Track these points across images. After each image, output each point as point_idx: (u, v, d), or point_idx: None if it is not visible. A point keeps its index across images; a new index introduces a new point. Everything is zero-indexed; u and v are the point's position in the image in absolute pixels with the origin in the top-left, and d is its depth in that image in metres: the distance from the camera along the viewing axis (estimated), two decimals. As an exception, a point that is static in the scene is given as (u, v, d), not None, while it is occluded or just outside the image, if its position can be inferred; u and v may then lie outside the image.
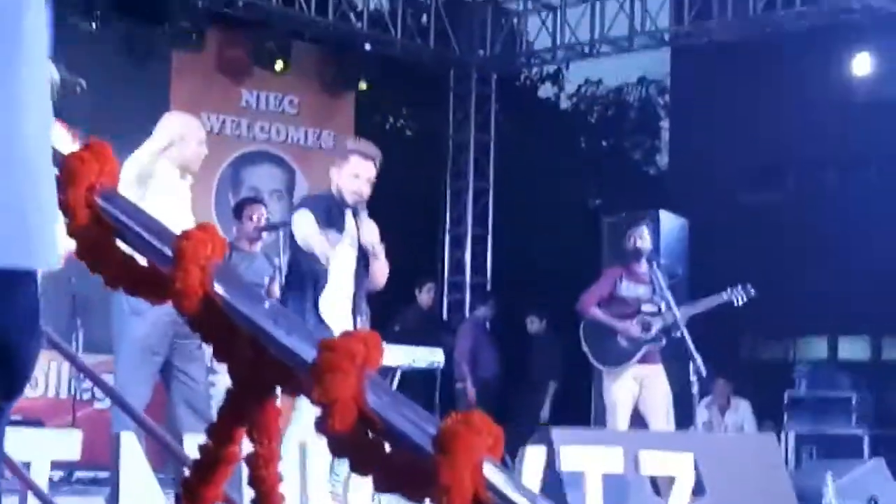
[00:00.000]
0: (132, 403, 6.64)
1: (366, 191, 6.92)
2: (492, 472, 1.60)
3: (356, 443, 1.69)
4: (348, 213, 6.92)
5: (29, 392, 11.05)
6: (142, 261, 1.96)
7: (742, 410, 13.18)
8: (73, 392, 10.74)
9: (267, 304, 1.81)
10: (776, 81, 20.18)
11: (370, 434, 1.70)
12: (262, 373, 1.82)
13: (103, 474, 8.35)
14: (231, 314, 1.82)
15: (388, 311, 12.90)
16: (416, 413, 1.67)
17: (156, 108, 12.27)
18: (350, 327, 7.00)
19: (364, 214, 6.94)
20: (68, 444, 3.52)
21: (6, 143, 1.54)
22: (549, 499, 4.71)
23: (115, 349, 6.69)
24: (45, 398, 11.20)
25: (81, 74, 11.29)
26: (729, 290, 9.36)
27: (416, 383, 11.70)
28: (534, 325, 13.64)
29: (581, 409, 12.79)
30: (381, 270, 7.04)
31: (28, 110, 1.57)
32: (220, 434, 1.84)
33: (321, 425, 1.69)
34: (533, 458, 4.52)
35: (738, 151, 21.36)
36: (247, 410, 1.84)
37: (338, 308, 6.97)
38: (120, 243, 1.98)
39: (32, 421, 10.25)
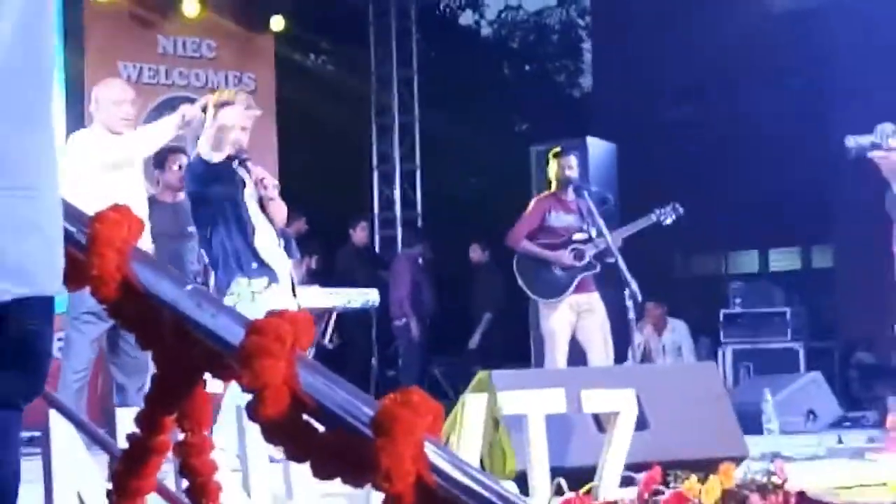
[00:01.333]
0: (76, 364, 6.84)
1: (243, 138, 6.94)
2: (433, 453, 1.54)
3: (290, 429, 1.63)
4: (236, 164, 6.94)
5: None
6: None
7: (678, 331, 13.26)
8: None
9: (190, 287, 1.74)
10: (695, -4, 20.16)
11: (305, 418, 1.64)
12: (188, 359, 1.74)
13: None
14: (152, 299, 1.75)
15: (322, 252, 12.83)
16: (353, 394, 1.61)
17: (71, 57, 12.10)
18: (287, 274, 7.06)
19: (251, 164, 7.00)
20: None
21: (53, 190, 1.66)
22: (489, 443, 4.65)
23: (68, 310, 6.99)
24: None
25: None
26: (657, 210, 9.37)
27: (352, 324, 11.68)
28: (476, 253, 13.60)
29: (517, 339, 12.82)
30: (278, 210, 7.11)
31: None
32: (149, 423, 1.77)
33: (253, 412, 1.63)
34: (473, 406, 4.49)
35: (661, 69, 21.35)
36: (175, 398, 1.77)
37: (272, 257, 7.02)
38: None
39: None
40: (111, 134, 7.06)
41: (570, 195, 9.22)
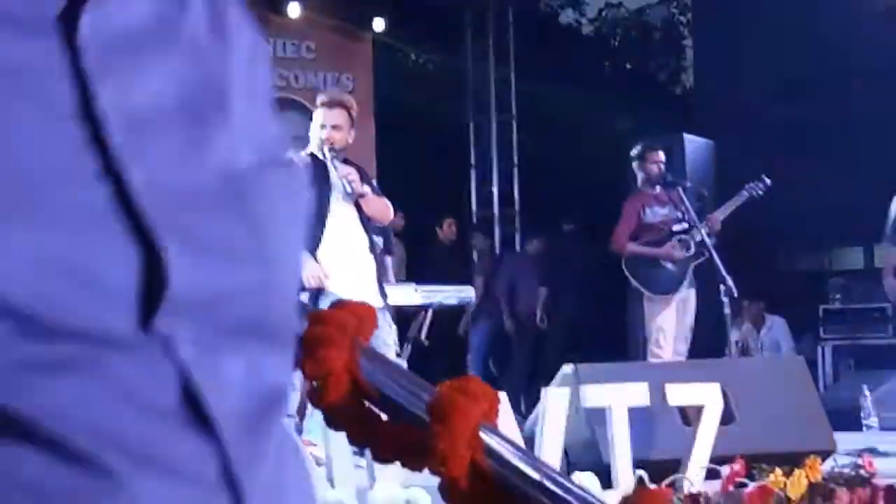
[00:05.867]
0: None
1: (337, 138, 6.98)
2: (489, 438, 1.59)
3: (351, 415, 1.68)
4: (329, 165, 6.98)
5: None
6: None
7: (777, 327, 13.15)
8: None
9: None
10: (800, -9, 19.96)
11: (366, 404, 1.70)
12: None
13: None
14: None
15: (417, 251, 12.92)
16: (411, 381, 1.66)
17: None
18: (371, 274, 7.06)
19: (338, 162, 7.00)
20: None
21: None
22: (576, 434, 4.67)
23: None
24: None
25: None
26: (747, 185, 9.38)
27: (448, 320, 11.73)
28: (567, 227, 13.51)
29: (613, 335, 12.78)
30: (375, 208, 7.09)
31: None
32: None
33: (315, 399, 1.69)
34: (555, 399, 4.53)
35: (765, 66, 21.18)
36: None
37: (350, 258, 6.98)
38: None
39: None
40: None
41: (659, 189, 9.23)
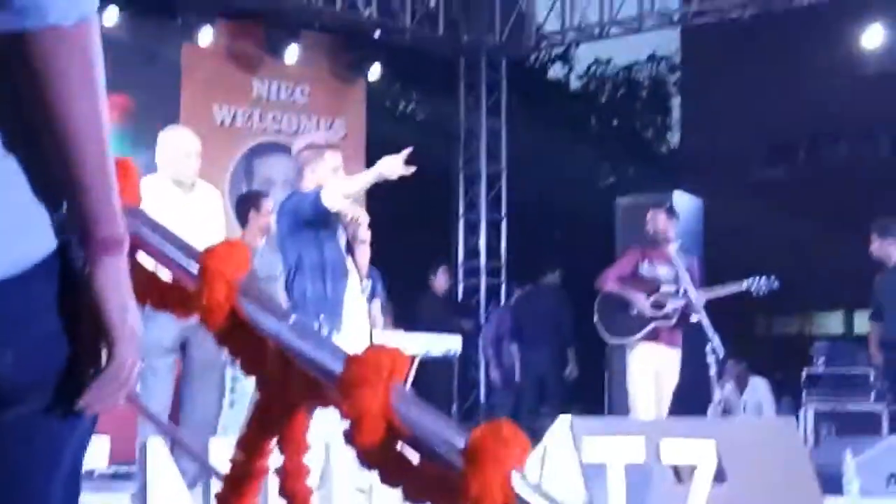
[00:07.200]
0: (149, 400, 6.81)
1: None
2: (520, 484, 1.62)
3: (385, 455, 1.72)
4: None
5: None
6: (166, 275, 1.98)
7: (759, 388, 13.20)
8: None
9: (292, 320, 1.84)
10: (786, 55, 20.14)
11: (398, 445, 1.73)
12: (289, 386, 1.84)
13: (123, 469, 8.43)
14: (257, 329, 1.85)
15: (404, 298, 12.92)
16: (446, 425, 1.69)
17: (167, 102, 12.32)
18: (365, 315, 7.03)
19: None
20: (96, 451, 3.56)
21: None
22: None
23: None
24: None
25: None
26: (750, 279, 9.26)
27: (434, 370, 11.72)
28: (547, 278, 13.41)
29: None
30: (367, 255, 7.06)
31: None
32: (250, 447, 1.87)
33: (350, 438, 1.72)
34: (557, 452, 4.53)
35: (750, 127, 21.34)
36: (275, 423, 1.86)
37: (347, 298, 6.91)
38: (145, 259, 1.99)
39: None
40: (176, 185, 6.96)
41: (671, 250, 9.14)
